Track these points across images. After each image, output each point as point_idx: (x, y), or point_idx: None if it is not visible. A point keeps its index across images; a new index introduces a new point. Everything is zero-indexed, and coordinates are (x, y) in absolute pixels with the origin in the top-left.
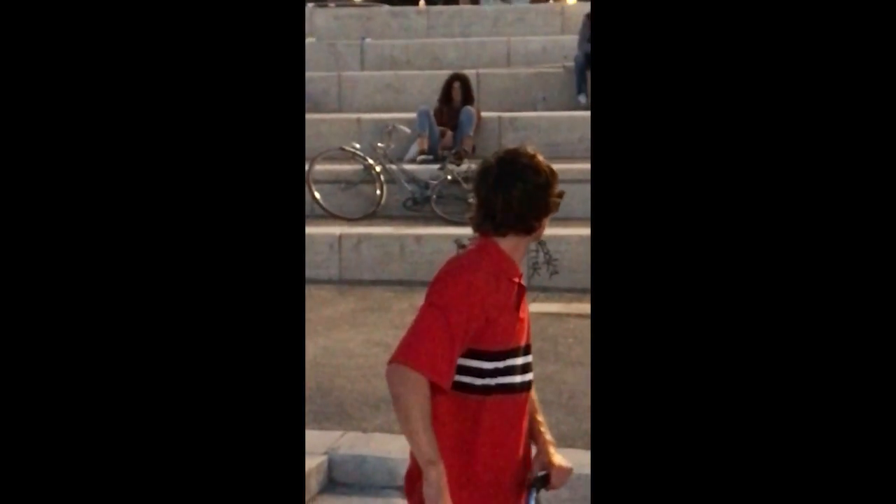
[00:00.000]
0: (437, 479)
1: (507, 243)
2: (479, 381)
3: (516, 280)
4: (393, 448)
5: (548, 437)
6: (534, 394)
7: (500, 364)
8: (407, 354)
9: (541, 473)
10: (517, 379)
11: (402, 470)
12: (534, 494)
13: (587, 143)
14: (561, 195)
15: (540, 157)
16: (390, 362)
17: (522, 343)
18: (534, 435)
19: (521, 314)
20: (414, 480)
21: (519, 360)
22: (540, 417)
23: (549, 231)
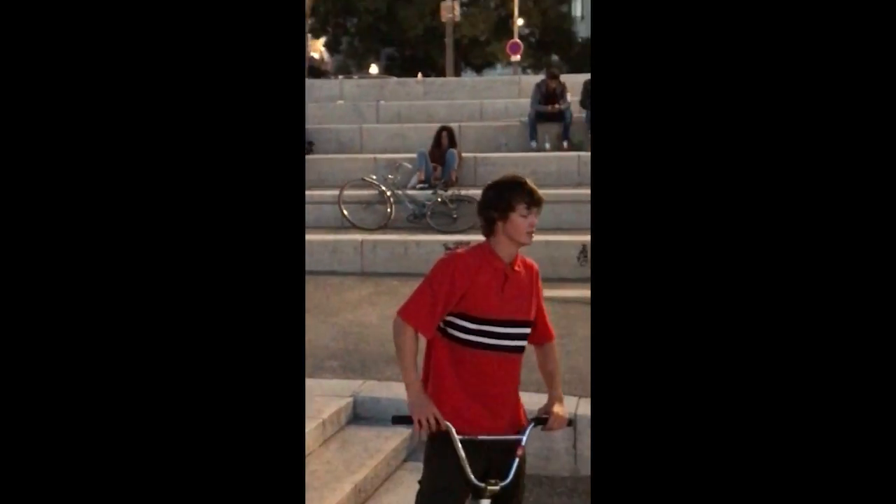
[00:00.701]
0: (413, 393)
1: (494, 242)
2: (463, 336)
3: (500, 268)
4: (401, 392)
5: (556, 392)
6: (555, 360)
7: (478, 327)
8: (401, 310)
9: (541, 416)
10: (492, 342)
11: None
12: (530, 427)
13: (536, 175)
14: (523, 199)
15: (509, 176)
16: (395, 316)
17: (504, 316)
18: (547, 388)
19: (508, 295)
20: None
21: (497, 329)
22: (557, 378)
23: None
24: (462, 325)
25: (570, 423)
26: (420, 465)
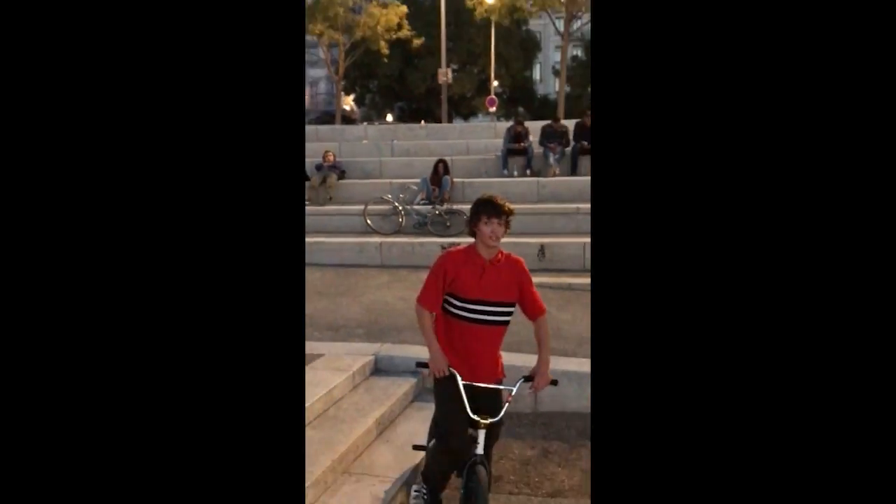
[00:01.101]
0: (434, 352)
1: (476, 244)
2: (453, 310)
3: (479, 263)
4: (410, 351)
5: (544, 357)
6: (545, 331)
7: (462, 304)
8: (418, 298)
9: (531, 374)
10: (472, 315)
11: (412, 364)
12: (519, 382)
13: (507, 195)
14: (487, 212)
15: (483, 195)
16: (416, 303)
17: (482, 297)
18: (538, 353)
19: (484, 282)
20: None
21: (477, 307)
22: (545, 346)
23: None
24: (452, 302)
25: (555, 382)
26: (424, 405)
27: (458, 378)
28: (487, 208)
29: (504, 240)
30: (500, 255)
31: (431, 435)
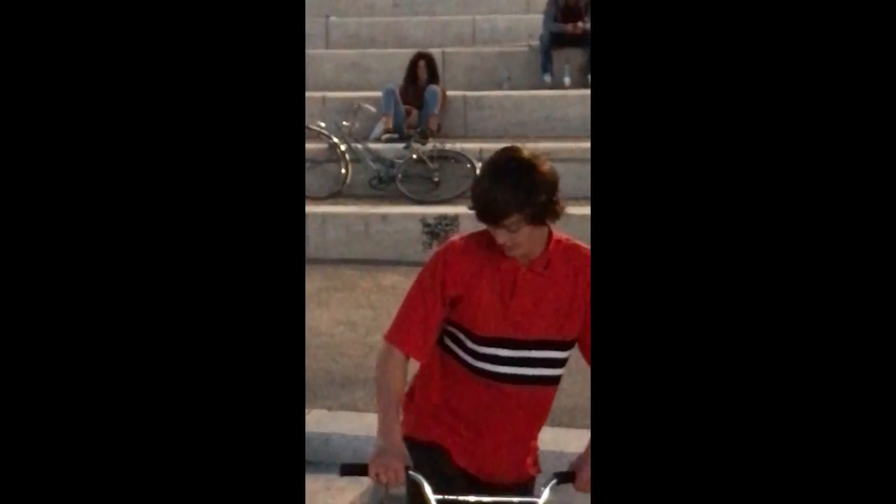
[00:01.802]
0: (385, 436)
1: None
2: (462, 354)
3: (507, 268)
4: (361, 425)
5: None
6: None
7: (475, 348)
8: (389, 329)
9: (566, 471)
10: (497, 370)
11: (368, 448)
12: (550, 485)
13: (553, 122)
14: (481, 217)
15: (478, 178)
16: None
17: (512, 335)
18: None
19: (517, 306)
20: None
21: (503, 352)
22: None
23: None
24: (459, 339)
25: None
26: None
27: (427, 489)
28: (479, 213)
29: None
30: (550, 249)
31: None
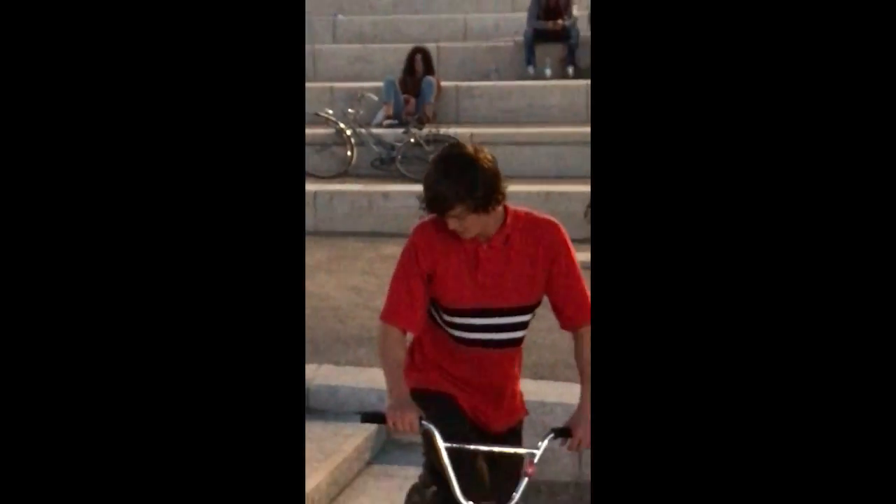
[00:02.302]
0: (395, 396)
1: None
2: (443, 325)
3: (469, 247)
4: (364, 379)
5: (586, 401)
6: (587, 352)
7: (451, 319)
8: (382, 309)
9: (565, 426)
10: (469, 336)
11: (371, 399)
12: (547, 439)
13: (535, 110)
14: (429, 208)
15: (428, 170)
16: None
17: (479, 303)
18: (581, 388)
19: (482, 278)
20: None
21: (473, 321)
22: (587, 379)
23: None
24: (437, 311)
25: None
26: (390, 468)
27: (437, 436)
28: (428, 204)
29: (528, 187)
30: (508, 225)
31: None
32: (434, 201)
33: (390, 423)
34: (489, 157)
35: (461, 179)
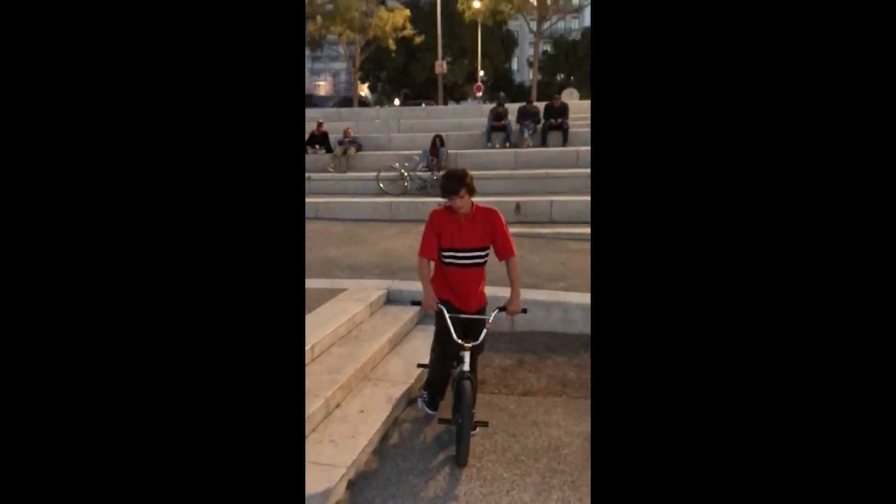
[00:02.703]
0: (425, 293)
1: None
2: (443, 259)
3: (456, 219)
4: (415, 287)
5: (515, 291)
6: (514, 270)
7: (448, 253)
8: (419, 250)
9: (504, 305)
10: (457, 261)
11: (416, 295)
12: (495, 312)
13: (492, 163)
14: (442, 193)
15: (443, 176)
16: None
17: (462, 245)
18: (511, 287)
19: (463, 233)
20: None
21: (459, 254)
22: (516, 282)
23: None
24: (441, 252)
25: (524, 311)
26: (426, 327)
27: (445, 312)
28: (443, 192)
29: (486, 198)
30: (474, 210)
31: (433, 352)
32: (447, 190)
33: (424, 305)
34: (469, 173)
35: (458, 180)
